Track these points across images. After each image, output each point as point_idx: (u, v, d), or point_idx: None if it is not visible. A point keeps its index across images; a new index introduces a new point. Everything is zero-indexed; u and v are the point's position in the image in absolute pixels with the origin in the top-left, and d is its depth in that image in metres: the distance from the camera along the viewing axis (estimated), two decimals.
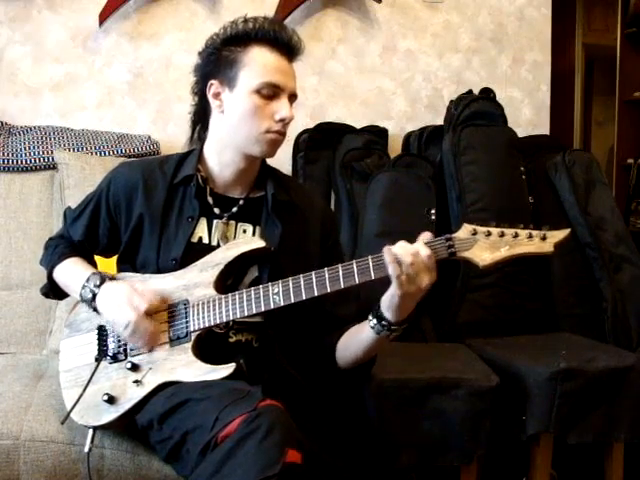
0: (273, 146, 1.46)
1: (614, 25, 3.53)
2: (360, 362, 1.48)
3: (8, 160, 2.25)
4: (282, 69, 1.44)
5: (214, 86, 1.46)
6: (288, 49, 1.45)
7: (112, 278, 1.49)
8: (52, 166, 2.28)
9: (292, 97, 1.46)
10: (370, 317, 1.38)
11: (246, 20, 1.45)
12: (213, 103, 1.48)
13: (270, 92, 1.42)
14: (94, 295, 1.46)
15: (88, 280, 1.48)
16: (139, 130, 2.55)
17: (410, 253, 1.26)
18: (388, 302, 1.32)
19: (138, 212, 1.51)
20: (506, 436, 1.84)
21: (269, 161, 1.57)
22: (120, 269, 1.56)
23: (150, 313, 1.41)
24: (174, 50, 2.60)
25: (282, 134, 1.45)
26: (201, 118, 1.54)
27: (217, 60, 1.46)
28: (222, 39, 1.46)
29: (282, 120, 1.43)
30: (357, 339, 1.44)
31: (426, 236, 1.31)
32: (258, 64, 1.42)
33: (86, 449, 1.41)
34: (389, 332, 1.36)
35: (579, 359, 1.85)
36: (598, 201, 2.42)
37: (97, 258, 1.64)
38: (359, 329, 1.43)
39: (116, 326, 1.44)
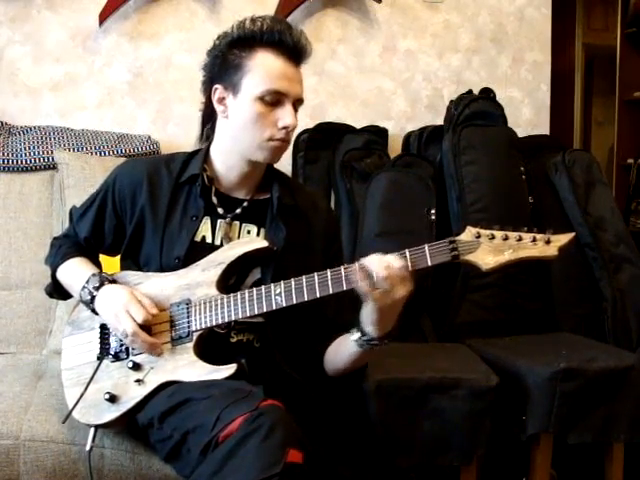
0: (277, 153, 1.46)
1: (614, 25, 3.53)
2: (347, 372, 1.47)
3: (8, 160, 2.25)
4: (287, 75, 1.41)
5: (218, 91, 1.45)
6: (294, 53, 1.42)
7: (112, 280, 1.48)
8: (52, 166, 2.28)
9: (298, 102, 1.44)
10: (354, 331, 1.37)
11: (253, 20, 1.42)
12: (218, 108, 1.47)
13: (274, 99, 1.40)
14: (93, 297, 1.46)
15: (88, 281, 1.47)
16: (139, 130, 2.55)
17: (383, 267, 1.25)
18: (367, 318, 1.32)
19: (142, 208, 1.51)
20: (506, 436, 1.84)
21: None
22: (123, 265, 1.56)
23: (148, 324, 1.40)
24: (174, 50, 2.60)
25: (286, 141, 1.44)
26: (209, 118, 1.54)
27: (222, 64, 1.44)
28: (228, 41, 1.44)
29: (285, 128, 1.41)
30: (342, 350, 1.43)
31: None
32: (262, 70, 1.40)
33: (87, 447, 1.41)
34: (371, 347, 1.36)
35: (579, 359, 1.85)
36: (598, 201, 2.42)
37: (102, 258, 1.64)
38: (343, 340, 1.42)
39: (117, 333, 1.44)
